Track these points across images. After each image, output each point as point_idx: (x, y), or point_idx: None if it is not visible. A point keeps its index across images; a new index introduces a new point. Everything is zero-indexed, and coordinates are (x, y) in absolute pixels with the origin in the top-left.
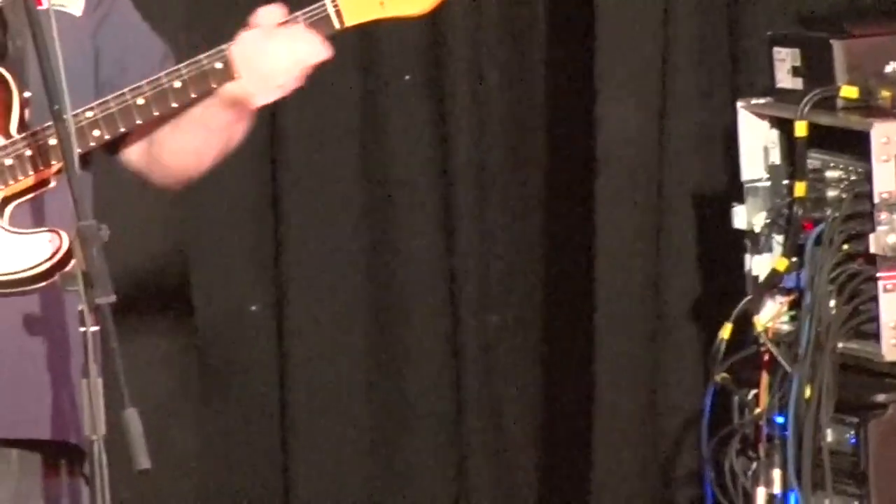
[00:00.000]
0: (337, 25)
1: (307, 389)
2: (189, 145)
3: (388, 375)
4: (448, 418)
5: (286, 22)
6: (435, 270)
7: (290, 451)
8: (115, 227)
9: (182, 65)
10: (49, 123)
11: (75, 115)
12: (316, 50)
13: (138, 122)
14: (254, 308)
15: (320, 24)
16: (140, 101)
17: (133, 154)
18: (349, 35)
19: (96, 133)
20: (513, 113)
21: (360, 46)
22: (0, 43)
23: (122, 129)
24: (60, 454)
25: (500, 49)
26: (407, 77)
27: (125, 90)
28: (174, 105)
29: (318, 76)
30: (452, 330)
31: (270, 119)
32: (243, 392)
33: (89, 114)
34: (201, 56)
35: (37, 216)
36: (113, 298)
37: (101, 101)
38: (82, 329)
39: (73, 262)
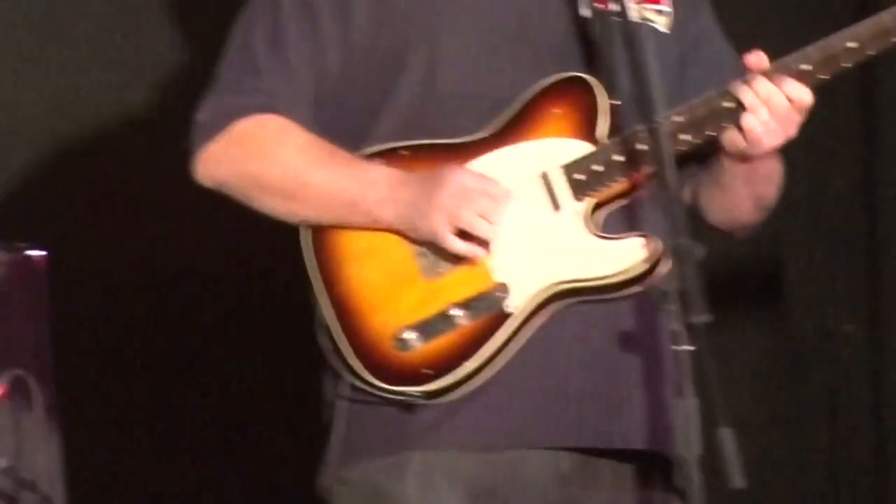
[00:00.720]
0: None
1: None
2: (719, 202)
3: None
4: None
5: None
6: None
7: (886, 469)
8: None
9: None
10: (639, 127)
11: (665, 118)
12: (808, 93)
13: (724, 124)
14: (848, 327)
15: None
16: (726, 103)
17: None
18: None
19: (683, 137)
20: None
21: None
22: (587, 52)
23: (708, 133)
24: (653, 466)
25: None
26: None
27: (711, 91)
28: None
29: None
30: None
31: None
32: (835, 415)
33: (676, 118)
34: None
35: (630, 225)
36: (707, 318)
37: (687, 104)
38: (676, 348)
39: (663, 273)
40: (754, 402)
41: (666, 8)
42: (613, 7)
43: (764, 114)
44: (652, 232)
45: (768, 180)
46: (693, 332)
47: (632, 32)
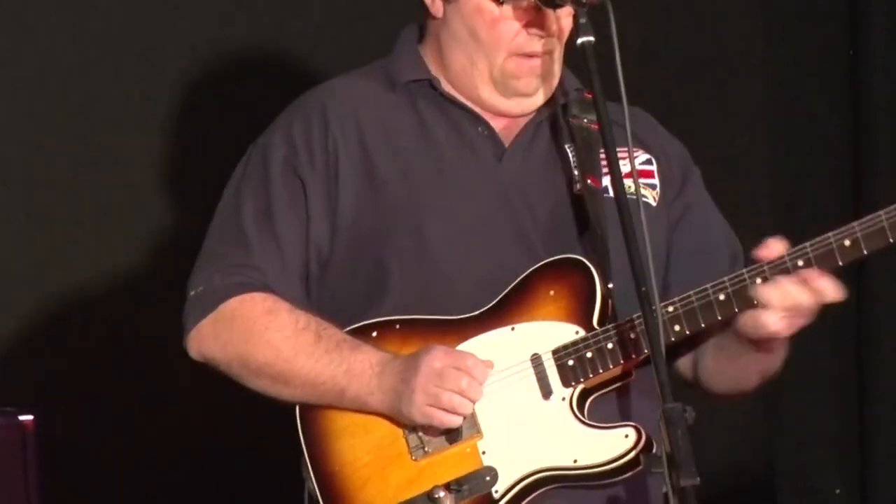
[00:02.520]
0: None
1: None
2: (727, 374)
3: None
4: None
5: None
6: None
7: None
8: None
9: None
10: (632, 317)
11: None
12: (835, 289)
13: (719, 318)
14: (838, 492)
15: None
16: (721, 296)
17: (681, 365)
18: None
19: (677, 328)
20: None
21: None
22: (579, 229)
23: (703, 325)
24: None
25: None
26: None
27: (707, 286)
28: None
29: None
30: None
31: None
32: None
33: (671, 308)
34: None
35: (618, 411)
36: (697, 481)
37: (682, 295)
38: None
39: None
40: None
41: (654, 181)
42: (604, 183)
43: (782, 310)
44: (641, 417)
45: (777, 356)
46: (683, 496)
47: (627, 207)
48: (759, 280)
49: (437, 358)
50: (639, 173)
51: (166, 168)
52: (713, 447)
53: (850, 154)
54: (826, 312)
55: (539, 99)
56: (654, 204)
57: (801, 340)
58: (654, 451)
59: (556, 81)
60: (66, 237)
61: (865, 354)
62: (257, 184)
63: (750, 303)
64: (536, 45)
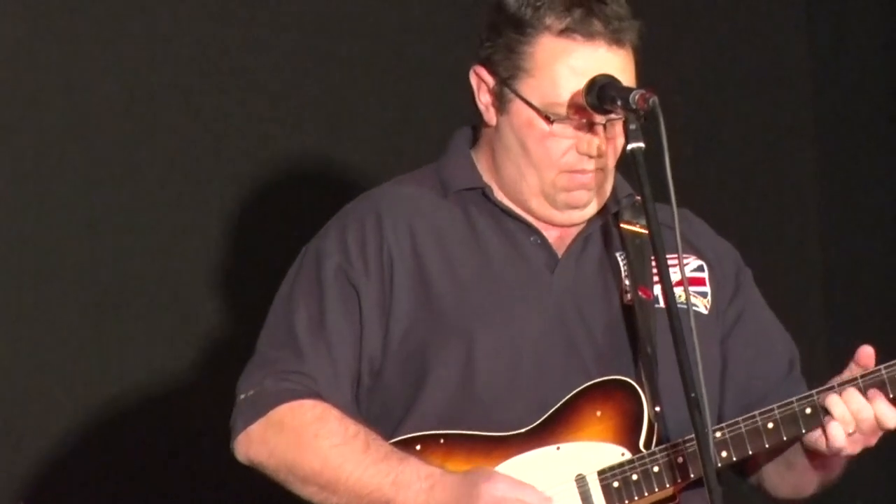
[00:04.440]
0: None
1: None
2: (786, 480)
3: None
4: None
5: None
6: None
7: None
8: None
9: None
10: (679, 440)
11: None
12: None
13: (767, 446)
14: None
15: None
16: (770, 424)
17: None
18: None
19: (724, 454)
20: None
21: None
22: (630, 342)
23: (749, 452)
24: None
25: None
26: None
27: (755, 413)
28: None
29: None
30: None
31: None
32: None
33: (718, 434)
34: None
35: None
36: None
37: (730, 422)
38: None
39: None
40: None
41: (706, 289)
42: (656, 292)
43: (851, 427)
44: None
45: (838, 468)
46: None
47: (677, 316)
48: (808, 409)
49: (499, 488)
50: (690, 281)
51: (215, 266)
52: None
53: None
54: None
55: (591, 210)
56: (705, 312)
57: None
58: None
59: (608, 193)
60: (113, 342)
61: None
62: (310, 290)
63: (798, 431)
64: (587, 164)
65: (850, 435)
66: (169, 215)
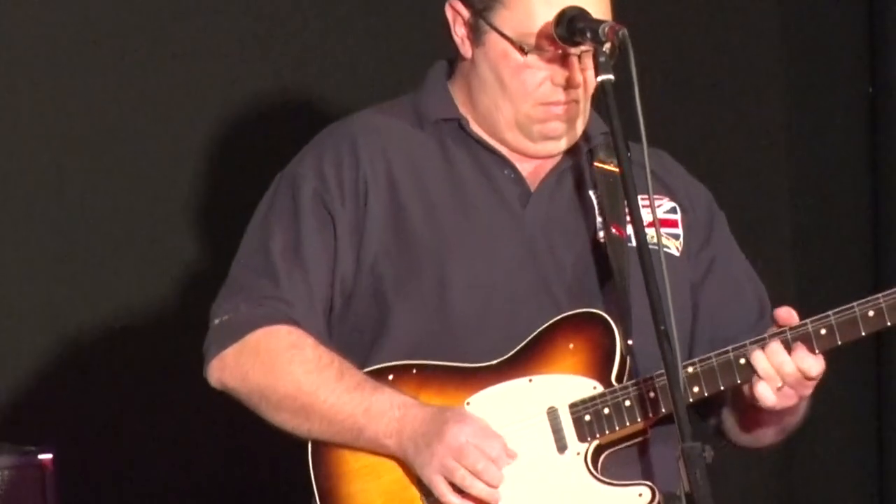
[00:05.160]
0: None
1: None
2: (745, 427)
3: None
4: None
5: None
6: None
7: None
8: None
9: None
10: (651, 375)
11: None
12: (817, 366)
13: (738, 381)
14: None
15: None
16: (742, 360)
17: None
18: None
19: (696, 389)
20: None
21: None
22: (601, 278)
23: (721, 388)
24: None
25: None
26: None
27: (728, 348)
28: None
29: None
30: None
31: None
32: None
33: (690, 369)
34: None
35: (634, 467)
36: None
37: (702, 357)
38: None
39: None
40: None
41: (678, 231)
42: (629, 231)
43: (776, 382)
44: (654, 475)
45: (793, 415)
46: None
47: (648, 257)
48: (742, 360)
49: (464, 432)
50: (662, 222)
51: (191, 199)
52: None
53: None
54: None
55: (565, 143)
56: (676, 255)
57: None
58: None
59: (582, 126)
60: (87, 271)
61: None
62: (286, 215)
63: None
64: (561, 96)
65: (779, 389)
66: (144, 145)
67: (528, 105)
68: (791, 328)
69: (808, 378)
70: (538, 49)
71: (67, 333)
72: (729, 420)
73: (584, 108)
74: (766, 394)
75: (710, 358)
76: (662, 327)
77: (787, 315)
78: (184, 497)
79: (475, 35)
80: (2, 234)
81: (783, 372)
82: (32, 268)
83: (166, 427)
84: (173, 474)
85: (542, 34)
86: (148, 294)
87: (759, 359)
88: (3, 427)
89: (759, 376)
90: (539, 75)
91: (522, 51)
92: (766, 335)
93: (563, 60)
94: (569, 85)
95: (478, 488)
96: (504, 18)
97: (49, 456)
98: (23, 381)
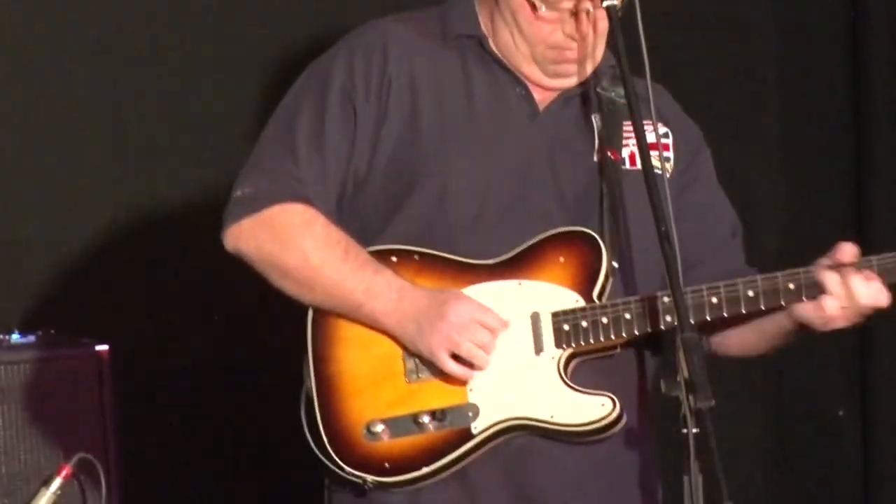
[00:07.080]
0: None
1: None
2: (744, 342)
3: None
4: None
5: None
6: None
7: None
8: None
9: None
10: (630, 298)
11: (654, 299)
12: (884, 297)
13: (744, 311)
14: (841, 413)
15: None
16: (750, 292)
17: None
18: None
19: (714, 300)
20: None
21: None
22: (593, 199)
23: (743, 312)
24: None
25: None
26: None
27: (738, 280)
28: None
29: None
30: None
31: None
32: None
33: (667, 299)
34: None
35: (592, 376)
36: (712, 403)
37: (710, 284)
38: (684, 431)
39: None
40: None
41: (670, 154)
42: (623, 155)
43: (846, 301)
44: (621, 383)
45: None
46: (699, 416)
47: (650, 177)
48: (791, 284)
49: (464, 307)
50: (657, 146)
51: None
52: None
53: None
54: None
55: (576, 80)
56: (668, 177)
57: None
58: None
59: (592, 67)
60: (140, 164)
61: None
62: (314, 104)
63: (777, 302)
64: (572, 44)
65: (843, 308)
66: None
67: (541, 48)
68: (804, 270)
69: (876, 306)
70: (549, 5)
71: (122, 227)
72: (727, 334)
73: (596, 51)
74: (832, 308)
75: (717, 287)
76: (664, 228)
77: (851, 253)
78: (239, 385)
79: None
80: (66, 129)
81: (859, 292)
82: (88, 157)
83: (223, 319)
84: (229, 364)
85: None
86: (205, 193)
87: (832, 279)
88: (61, 320)
89: (829, 294)
90: (551, 27)
91: (534, 7)
92: (778, 273)
93: (574, 15)
94: (579, 37)
95: (480, 359)
96: None
97: (105, 347)
98: (77, 274)
